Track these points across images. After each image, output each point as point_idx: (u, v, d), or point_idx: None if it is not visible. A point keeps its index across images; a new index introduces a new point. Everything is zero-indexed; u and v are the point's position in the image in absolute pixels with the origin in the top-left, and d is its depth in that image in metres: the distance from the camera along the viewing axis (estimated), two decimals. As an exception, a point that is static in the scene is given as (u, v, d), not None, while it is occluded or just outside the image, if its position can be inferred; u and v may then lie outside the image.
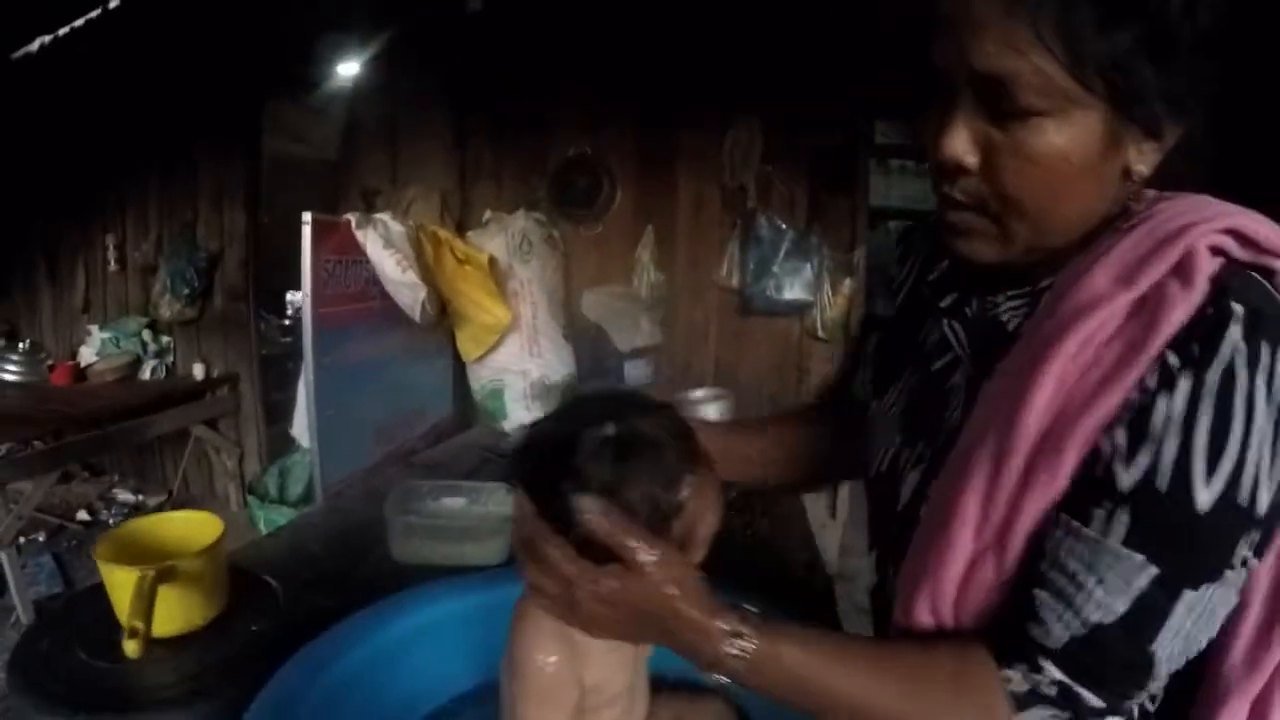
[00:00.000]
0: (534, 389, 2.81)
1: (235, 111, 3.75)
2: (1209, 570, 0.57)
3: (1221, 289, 0.58)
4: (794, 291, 2.95)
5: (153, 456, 4.33)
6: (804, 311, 2.99)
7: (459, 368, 2.98)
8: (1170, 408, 0.57)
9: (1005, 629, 0.63)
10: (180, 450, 4.10)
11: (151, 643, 0.85)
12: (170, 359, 4.19)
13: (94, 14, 4.06)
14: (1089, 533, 0.59)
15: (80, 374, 4.04)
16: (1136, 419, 0.58)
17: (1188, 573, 0.57)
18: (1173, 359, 0.58)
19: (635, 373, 2.80)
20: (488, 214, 3.12)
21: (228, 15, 3.55)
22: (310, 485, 2.14)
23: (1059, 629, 0.59)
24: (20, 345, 4.22)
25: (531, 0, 2.97)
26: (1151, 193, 0.68)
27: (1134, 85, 0.58)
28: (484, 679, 0.89)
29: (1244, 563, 0.57)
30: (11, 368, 4.04)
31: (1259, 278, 0.60)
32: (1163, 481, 0.56)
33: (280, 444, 3.68)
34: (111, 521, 3.96)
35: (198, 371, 4.04)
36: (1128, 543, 0.57)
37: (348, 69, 3.52)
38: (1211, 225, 0.61)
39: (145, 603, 0.82)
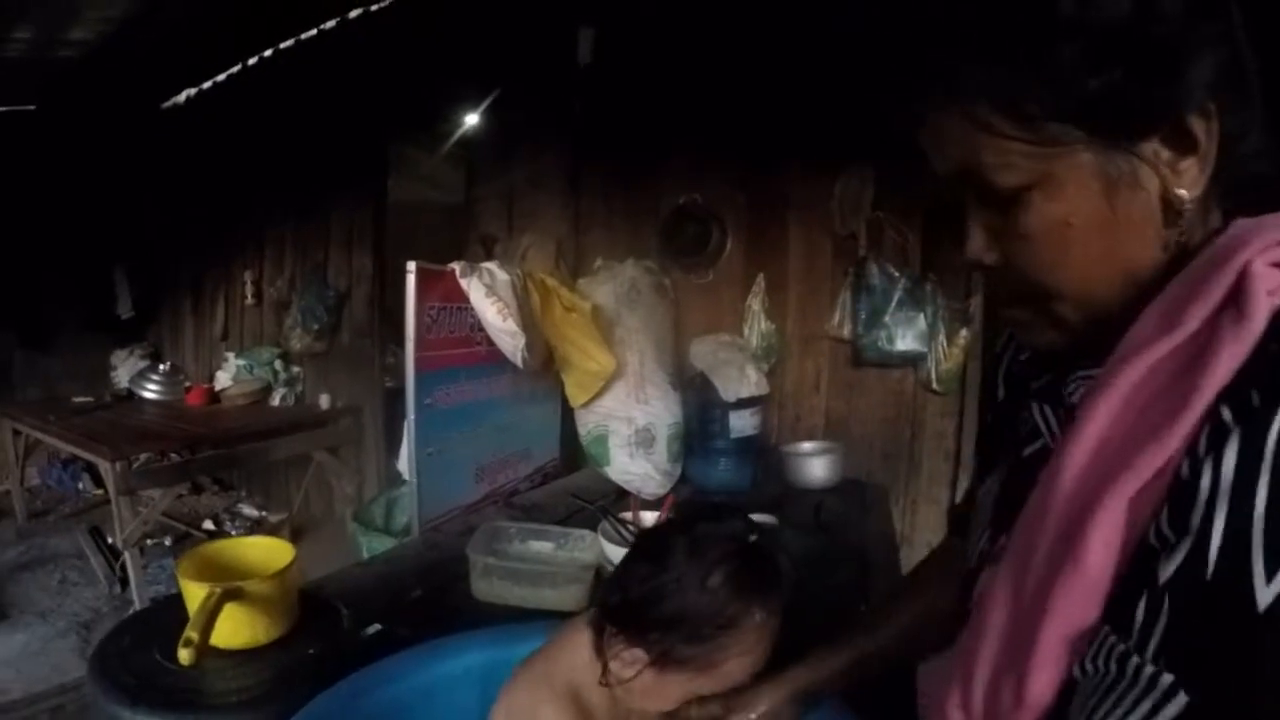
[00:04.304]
0: (639, 436, 2.78)
1: (363, 162, 3.96)
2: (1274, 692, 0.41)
3: None
4: (906, 342, 2.81)
5: (278, 476, 4.57)
6: (917, 363, 2.85)
7: (568, 413, 2.99)
8: (1219, 478, 0.44)
9: None
10: (303, 473, 4.29)
11: (216, 654, 0.91)
12: (299, 388, 4.45)
13: (235, 69, 4.46)
14: (1118, 643, 0.48)
15: (215, 396, 4.35)
16: (1183, 494, 0.46)
17: (1238, 699, 0.42)
18: (1225, 414, 0.45)
19: (741, 424, 2.73)
20: (599, 261, 3.15)
21: (357, 69, 3.77)
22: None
23: None
24: (161, 367, 4.63)
25: (642, 52, 3.02)
26: (1247, 221, 0.54)
27: (1113, 112, 0.51)
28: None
29: None
30: (152, 386, 4.43)
31: None
32: (1206, 573, 0.44)
33: (397, 473, 3.80)
34: (234, 533, 4.22)
35: (324, 401, 4.25)
36: (1158, 657, 0.45)
37: (468, 117, 3.63)
38: (1276, 235, 0.49)
39: (206, 617, 0.87)
